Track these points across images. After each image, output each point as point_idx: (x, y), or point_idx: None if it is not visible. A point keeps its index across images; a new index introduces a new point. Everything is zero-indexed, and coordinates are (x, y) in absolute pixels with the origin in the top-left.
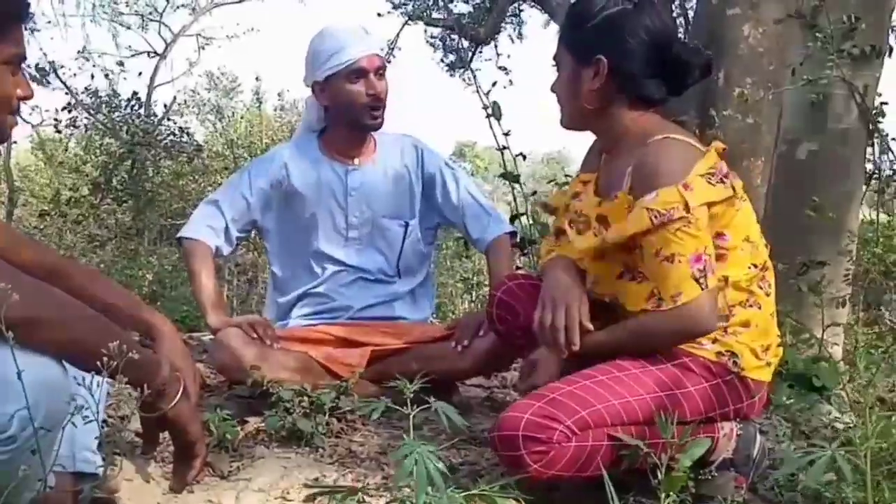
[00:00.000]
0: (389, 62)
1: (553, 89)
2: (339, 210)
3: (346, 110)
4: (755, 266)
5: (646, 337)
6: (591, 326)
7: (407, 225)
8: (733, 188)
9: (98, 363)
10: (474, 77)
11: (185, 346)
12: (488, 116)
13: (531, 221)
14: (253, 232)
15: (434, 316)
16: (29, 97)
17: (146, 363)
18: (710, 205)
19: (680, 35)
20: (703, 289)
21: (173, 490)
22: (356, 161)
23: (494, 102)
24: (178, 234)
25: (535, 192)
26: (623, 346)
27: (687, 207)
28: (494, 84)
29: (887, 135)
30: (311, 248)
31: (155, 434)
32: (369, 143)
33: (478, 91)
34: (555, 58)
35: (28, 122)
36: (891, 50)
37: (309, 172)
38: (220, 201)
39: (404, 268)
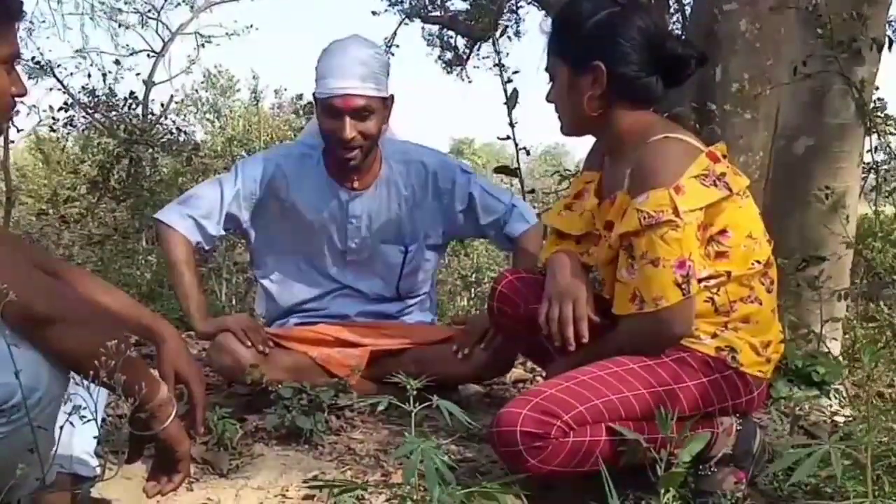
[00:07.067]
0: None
1: (549, 100)
2: (339, 235)
3: (323, 138)
4: (758, 262)
5: (629, 343)
6: (597, 319)
7: (406, 251)
8: (730, 188)
9: (101, 375)
10: (499, 60)
11: (189, 352)
12: (506, 103)
13: None
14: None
15: (434, 315)
16: (23, 94)
17: (146, 383)
18: (701, 209)
19: (675, 31)
20: (684, 295)
21: (146, 492)
22: (356, 183)
23: (514, 90)
24: (157, 215)
25: (532, 190)
26: (616, 353)
27: (676, 211)
28: (516, 72)
29: (884, 126)
30: (308, 265)
31: (142, 448)
32: (372, 163)
33: (500, 75)
34: (547, 69)
35: (16, 127)
36: (891, 43)
37: (310, 190)
38: (211, 197)
39: (406, 290)
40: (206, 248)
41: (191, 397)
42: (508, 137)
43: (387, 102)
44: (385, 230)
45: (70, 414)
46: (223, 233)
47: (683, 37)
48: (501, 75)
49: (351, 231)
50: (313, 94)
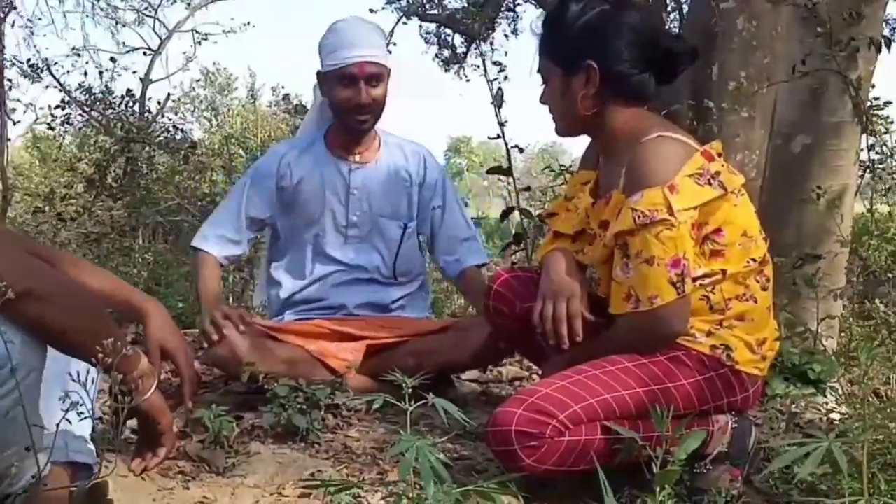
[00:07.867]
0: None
1: (543, 101)
2: (341, 207)
3: (335, 110)
4: (753, 260)
5: (624, 342)
6: (592, 317)
7: (405, 227)
8: (724, 187)
9: (85, 353)
10: (483, 62)
11: (175, 327)
12: (493, 103)
13: (523, 217)
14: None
15: (430, 313)
16: None
17: (125, 355)
18: (695, 207)
19: (674, 29)
20: (679, 294)
21: (132, 471)
22: (358, 157)
23: (499, 89)
24: (192, 244)
25: (528, 188)
26: (612, 352)
27: (670, 210)
28: (502, 70)
29: (883, 127)
30: (311, 246)
31: (125, 421)
32: (372, 141)
33: (485, 75)
34: (539, 71)
35: (11, 120)
36: (888, 43)
37: (312, 170)
38: (228, 208)
39: (401, 271)
40: (244, 252)
41: (179, 371)
42: (499, 136)
43: (389, 73)
44: (384, 204)
45: (67, 411)
46: (252, 237)
47: (679, 34)
48: (486, 75)
49: (353, 203)
50: (319, 71)
